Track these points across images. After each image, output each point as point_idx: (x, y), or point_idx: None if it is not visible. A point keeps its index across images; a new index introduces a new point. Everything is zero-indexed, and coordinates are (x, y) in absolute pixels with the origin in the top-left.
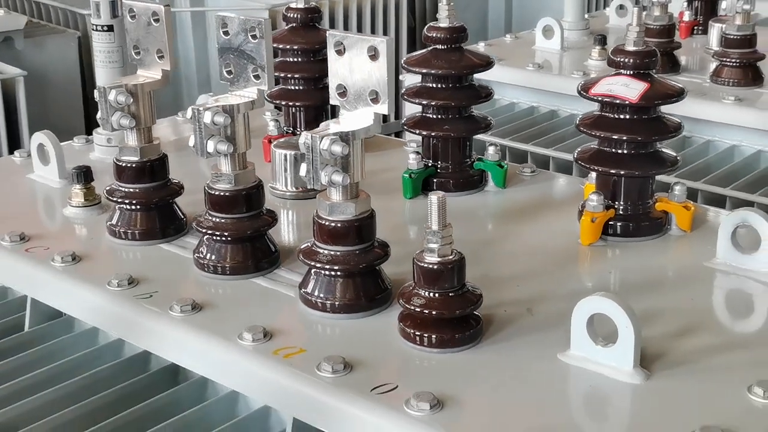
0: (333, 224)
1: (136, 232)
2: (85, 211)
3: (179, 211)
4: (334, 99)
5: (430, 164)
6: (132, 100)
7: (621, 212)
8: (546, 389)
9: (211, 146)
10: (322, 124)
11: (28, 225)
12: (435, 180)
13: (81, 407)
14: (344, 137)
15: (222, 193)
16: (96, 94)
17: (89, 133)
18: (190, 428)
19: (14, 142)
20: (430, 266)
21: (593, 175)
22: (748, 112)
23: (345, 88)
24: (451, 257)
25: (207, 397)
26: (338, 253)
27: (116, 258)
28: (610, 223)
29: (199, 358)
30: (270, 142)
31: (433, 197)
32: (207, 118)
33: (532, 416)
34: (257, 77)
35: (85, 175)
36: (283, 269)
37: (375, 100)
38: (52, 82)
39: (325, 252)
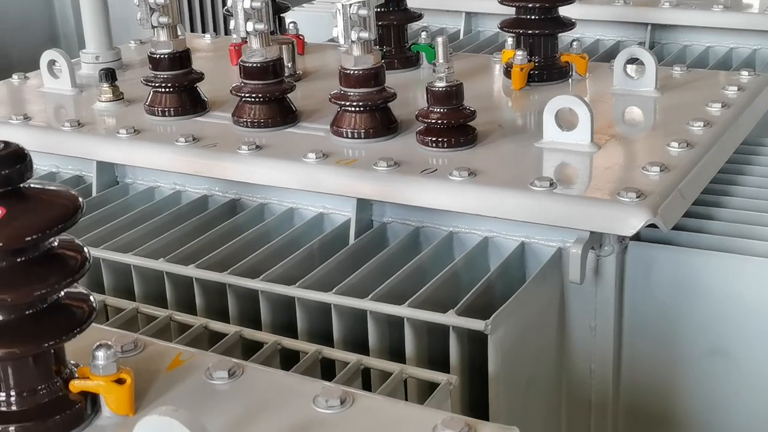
0: (358, 72)
1: (171, 109)
2: (114, 105)
3: (202, 94)
4: None
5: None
6: (167, 2)
7: (537, 64)
8: (529, 167)
9: (250, 26)
10: None
11: (76, 117)
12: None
13: (168, 235)
14: (366, 3)
15: (255, 65)
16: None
17: None
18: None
19: None
20: (440, 89)
21: (509, 42)
22: None
23: None
24: (454, 82)
25: (263, 219)
26: (362, 93)
27: (166, 129)
28: (530, 72)
29: (276, 174)
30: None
31: (439, 39)
32: (246, 3)
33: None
34: None
35: (111, 75)
36: (304, 122)
37: None
38: None
39: (353, 94)
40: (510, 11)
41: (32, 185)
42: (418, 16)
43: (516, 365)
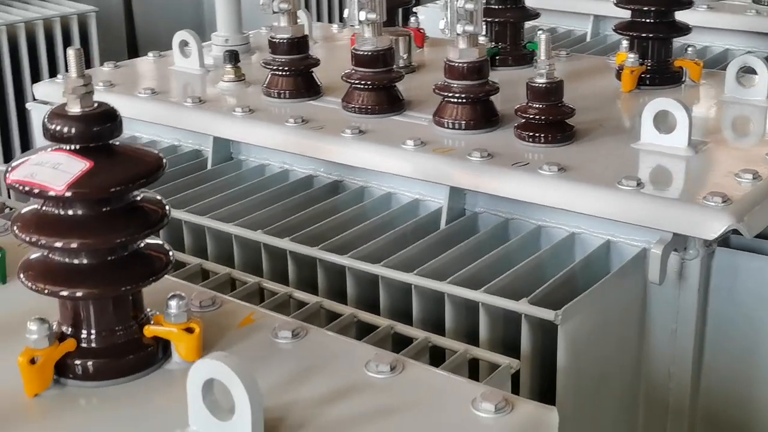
0: (462, 65)
1: (287, 91)
2: (235, 85)
3: (317, 79)
4: None
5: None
6: None
7: (649, 67)
8: (621, 167)
9: (363, 15)
10: None
11: (199, 94)
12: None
13: (270, 210)
14: None
15: (366, 53)
16: None
17: None
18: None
19: None
20: (540, 85)
21: (624, 45)
22: None
23: None
24: (554, 79)
25: (362, 201)
26: (465, 85)
27: (279, 110)
28: (641, 76)
29: (374, 158)
30: None
31: (542, 36)
32: None
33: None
34: None
35: (235, 57)
36: (410, 111)
37: None
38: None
39: (456, 85)
40: None
41: (120, 143)
42: (534, 15)
43: (587, 359)
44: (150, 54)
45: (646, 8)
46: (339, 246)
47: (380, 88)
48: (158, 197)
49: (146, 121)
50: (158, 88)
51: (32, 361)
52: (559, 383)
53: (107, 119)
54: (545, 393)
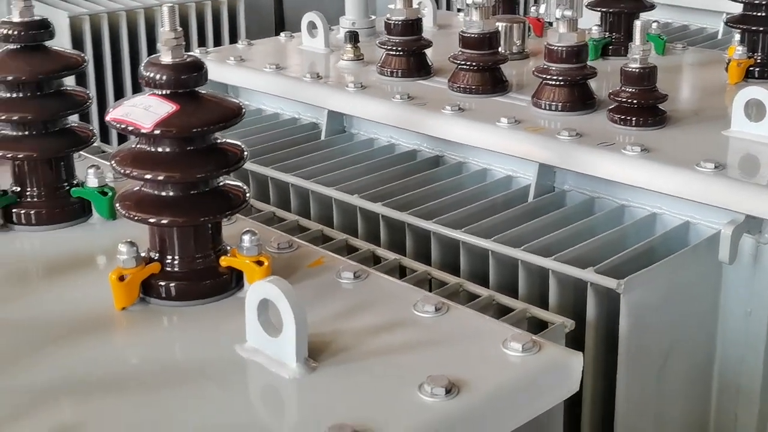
0: (561, 48)
1: (399, 71)
2: (353, 64)
3: (429, 60)
4: None
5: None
6: None
7: (758, 60)
8: (705, 151)
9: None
10: None
11: (318, 71)
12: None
13: (371, 177)
14: None
15: (472, 35)
16: None
17: None
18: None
19: None
20: (633, 70)
21: (736, 39)
22: None
23: None
24: (648, 65)
25: (459, 173)
26: (563, 68)
27: (389, 88)
28: (749, 68)
29: (469, 133)
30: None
31: (637, 22)
32: None
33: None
34: None
35: (355, 37)
36: (513, 93)
37: None
38: None
39: (554, 68)
40: None
41: (204, 91)
42: (650, 6)
43: (650, 332)
44: (282, 34)
45: (757, 2)
46: (427, 213)
47: (484, 69)
48: (238, 142)
49: (269, 93)
50: (282, 64)
51: (121, 278)
52: (620, 352)
53: (193, 69)
54: (611, 364)
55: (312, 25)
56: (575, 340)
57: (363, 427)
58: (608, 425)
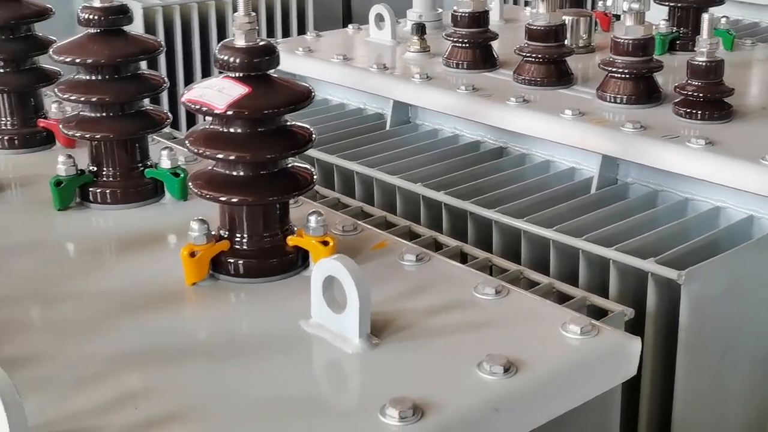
0: (627, 41)
1: (465, 62)
2: (419, 56)
3: (495, 52)
4: None
5: (674, 30)
6: None
7: None
8: None
9: None
10: None
11: (384, 62)
12: None
13: (433, 167)
14: None
15: (538, 28)
16: None
17: None
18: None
19: None
20: (700, 64)
21: None
22: None
23: None
24: (714, 58)
25: (522, 164)
26: (628, 61)
27: (455, 79)
28: None
29: (532, 124)
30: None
31: (705, 16)
32: None
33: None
34: None
35: (421, 29)
36: (578, 86)
37: None
38: None
39: (620, 61)
40: None
41: (276, 75)
42: (719, 1)
43: (711, 325)
44: (350, 27)
45: None
46: (489, 202)
47: (549, 62)
48: (307, 125)
49: (336, 84)
50: (349, 55)
51: (192, 254)
52: (680, 343)
53: (266, 53)
54: (671, 355)
55: (379, 17)
56: (635, 331)
57: (423, 402)
58: (666, 416)
